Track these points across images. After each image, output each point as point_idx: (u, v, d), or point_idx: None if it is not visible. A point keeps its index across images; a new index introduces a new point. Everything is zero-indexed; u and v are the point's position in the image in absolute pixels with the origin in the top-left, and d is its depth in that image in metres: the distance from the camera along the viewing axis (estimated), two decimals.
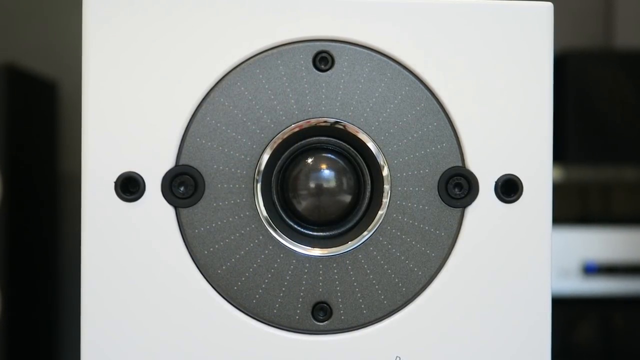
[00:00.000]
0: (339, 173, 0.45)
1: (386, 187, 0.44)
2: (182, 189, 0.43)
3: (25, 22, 1.52)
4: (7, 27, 1.52)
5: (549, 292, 0.45)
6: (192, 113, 0.44)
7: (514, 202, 0.44)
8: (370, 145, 0.44)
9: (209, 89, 0.44)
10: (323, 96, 0.44)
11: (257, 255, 0.44)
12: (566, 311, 1.35)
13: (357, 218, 0.45)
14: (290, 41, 0.44)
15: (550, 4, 0.45)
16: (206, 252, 0.44)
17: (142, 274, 0.43)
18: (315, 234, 0.45)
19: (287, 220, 0.45)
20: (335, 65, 0.44)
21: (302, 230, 0.45)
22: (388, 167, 0.44)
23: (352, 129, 0.44)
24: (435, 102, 0.44)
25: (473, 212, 0.44)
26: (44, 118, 1.46)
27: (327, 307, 0.44)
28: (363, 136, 0.44)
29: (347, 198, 0.45)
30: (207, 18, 0.43)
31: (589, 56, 1.43)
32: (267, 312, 0.44)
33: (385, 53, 0.44)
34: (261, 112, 0.44)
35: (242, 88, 0.44)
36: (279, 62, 0.44)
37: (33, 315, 1.39)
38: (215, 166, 0.44)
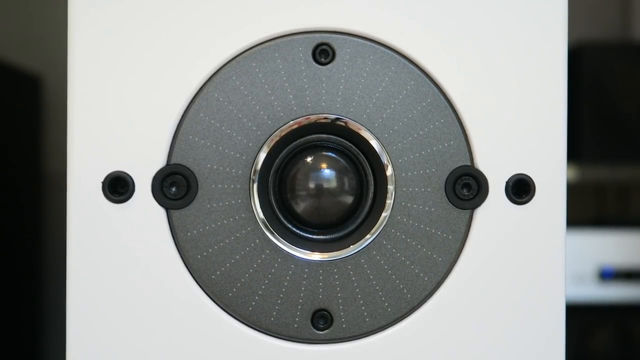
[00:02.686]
0: (340, 173, 0.45)
1: (390, 187, 0.44)
2: (173, 189, 0.44)
3: (7, 12, 1.52)
4: None
5: (563, 299, 0.45)
6: (184, 109, 0.44)
7: (526, 203, 0.44)
8: (373, 143, 0.44)
9: (202, 83, 0.44)
10: (323, 91, 0.44)
11: (254, 259, 0.44)
12: (581, 319, 1.35)
13: (359, 220, 0.45)
14: (288, 33, 0.44)
15: None
16: (199, 256, 0.44)
17: (131, 279, 0.43)
18: (315, 237, 0.45)
19: (285, 222, 0.45)
20: (336, 59, 0.44)
21: (301, 233, 0.45)
22: (392, 167, 0.44)
23: (354, 125, 0.44)
24: (442, 98, 0.44)
25: (482, 214, 0.44)
26: (27, 114, 1.46)
27: (328, 314, 0.44)
28: (365, 133, 0.44)
29: (349, 199, 0.45)
30: (201, 8, 0.43)
31: (606, 48, 1.43)
32: (264, 320, 0.44)
33: (389, 45, 0.44)
34: (257, 108, 0.44)
35: (238, 82, 0.44)
36: (277, 55, 0.44)
37: (16, 322, 1.39)
38: (209, 165, 0.44)
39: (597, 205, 1.60)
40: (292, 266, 0.44)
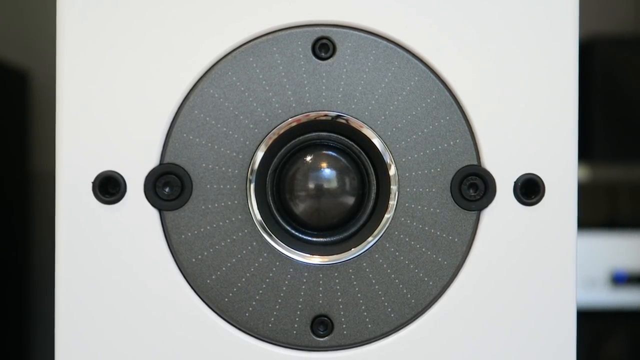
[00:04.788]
0: (341, 172, 0.45)
1: (393, 188, 0.44)
2: (167, 189, 0.44)
3: None
4: None
5: (574, 304, 0.45)
6: (178, 106, 0.44)
7: (535, 204, 0.44)
8: (376, 141, 0.44)
9: (197, 79, 0.44)
10: (323, 87, 0.44)
11: (251, 263, 0.44)
12: (593, 325, 1.35)
13: (361, 222, 0.45)
14: (287, 26, 0.44)
15: None
16: (194, 259, 0.44)
17: (122, 283, 0.43)
18: (314, 239, 0.45)
19: (283, 224, 0.45)
20: (337, 53, 0.44)
21: (300, 235, 0.45)
22: (395, 166, 0.44)
23: (355, 123, 0.44)
24: (447, 94, 0.44)
25: (490, 216, 0.44)
26: (14, 111, 1.46)
27: (328, 320, 0.44)
28: (368, 131, 0.44)
29: (350, 200, 0.45)
30: (196, 0, 0.43)
31: (618, 43, 1.43)
32: (261, 326, 0.44)
33: (393, 39, 0.44)
34: (255, 104, 0.44)
35: (234, 78, 0.44)
36: (275, 49, 0.44)
37: (1, 329, 1.39)
38: (204, 165, 0.44)
39: (610, 206, 1.60)
40: (291, 270, 0.44)
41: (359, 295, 0.44)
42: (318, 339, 0.44)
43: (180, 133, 0.44)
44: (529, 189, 0.44)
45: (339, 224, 0.45)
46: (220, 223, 0.44)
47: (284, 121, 0.44)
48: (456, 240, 0.44)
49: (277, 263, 0.44)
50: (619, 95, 1.41)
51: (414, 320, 0.44)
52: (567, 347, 0.45)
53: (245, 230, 0.44)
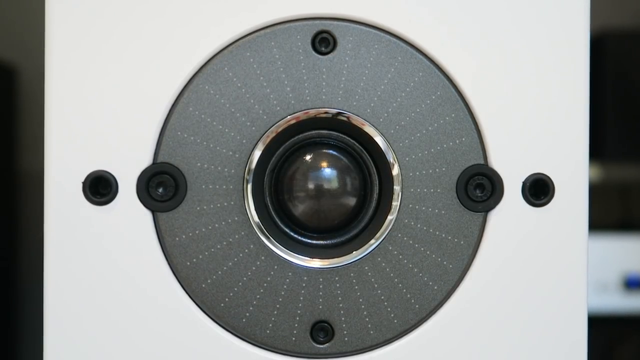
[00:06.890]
0: (341, 172, 0.45)
1: (396, 188, 0.44)
2: (160, 190, 0.44)
3: None
4: None
5: (585, 310, 0.45)
6: (172, 103, 0.44)
7: (544, 205, 0.44)
8: (378, 140, 0.44)
9: (191, 74, 0.44)
10: (324, 83, 0.44)
11: (248, 266, 0.44)
12: (605, 331, 1.35)
13: (362, 224, 0.45)
14: (285, 20, 0.44)
15: None
16: (188, 263, 0.44)
17: (114, 288, 0.43)
18: (314, 242, 0.45)
19: (282, 226, 0.45)
20: (338, 48, 0.44)
21: (299, 238, 0.45)
22: (399, 166, 0.44)
23: (357, 121, 0.44)
24: (453, 90, 0.44)
25: (497, 217, 0.44)
26: (1, 108, 1.46)
27: (329, 326, 0.44)
28: (370, 129, 0.44)
29: (352, 201, 0.45)
30: None
31: (631, 37, 1.43)
32: (259, 332, 0.44)
33: (396, 33, 0.44)
34: (252, 101, 0.44)
35: (231, 74, 0.44)
36: (273, 43, 0.44)
37: None
38: (199, 164, 0.44)
39: (622, 208, 1.60)
40: (290, 274, 0.44)
41: (360, 300, 0.44)
42: (318, 345, 0.44)
43: (174, 131, 0.44)
44: (538, 190, 0.44)
45: (340, 226, 0.45)
46: (216, 225, 0.44)
47: (282, 119, 0.44)
48: (462, 242, 0.44)
49: (276, 267, 0.44)
50: (631, 92, 1.41)
51: (418, 326, 0.44)
52: (577, 354, 0.45)
53: (242, 233, 0.44)
